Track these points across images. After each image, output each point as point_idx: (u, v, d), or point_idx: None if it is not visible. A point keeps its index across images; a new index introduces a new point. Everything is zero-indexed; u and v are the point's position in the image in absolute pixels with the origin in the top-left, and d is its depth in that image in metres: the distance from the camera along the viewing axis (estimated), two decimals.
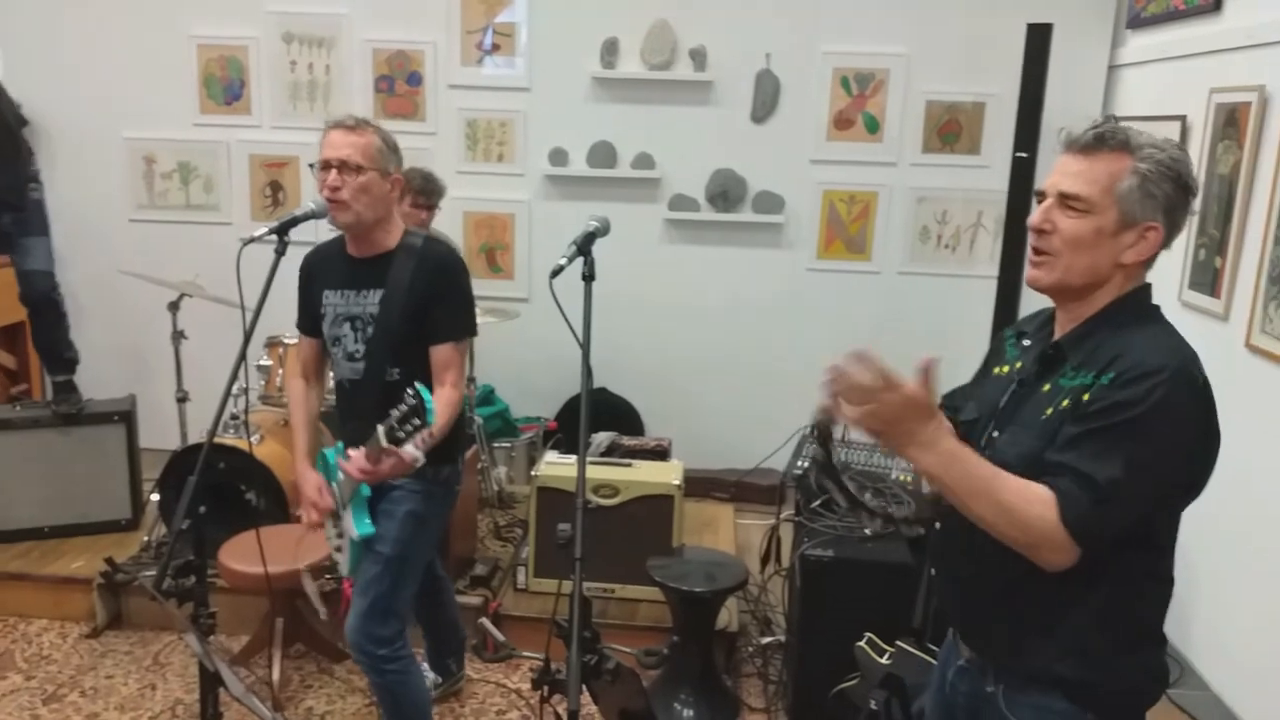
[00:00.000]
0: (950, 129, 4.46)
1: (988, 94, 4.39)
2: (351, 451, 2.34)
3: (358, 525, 2.47)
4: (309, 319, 2.64)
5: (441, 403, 2.41)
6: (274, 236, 2.33)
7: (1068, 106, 4.29)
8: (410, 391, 2.11)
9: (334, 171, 2.39)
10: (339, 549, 2.64)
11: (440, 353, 2.50)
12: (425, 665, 3.12)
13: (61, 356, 4.03)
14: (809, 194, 4.56)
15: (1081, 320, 1.57)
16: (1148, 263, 1.56)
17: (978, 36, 4.35)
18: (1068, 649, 1.55)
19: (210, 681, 2.16)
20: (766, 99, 4.48)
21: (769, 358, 4.65)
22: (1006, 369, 1.70)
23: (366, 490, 2.46)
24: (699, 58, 4.44)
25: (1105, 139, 1.51)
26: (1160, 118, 3.78)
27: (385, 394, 2.39)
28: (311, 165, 2.49)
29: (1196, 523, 3.37)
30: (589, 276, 2.09)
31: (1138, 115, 4.02)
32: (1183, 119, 3.60)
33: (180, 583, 2.22)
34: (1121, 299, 1.55)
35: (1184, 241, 3.52)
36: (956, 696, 1.74)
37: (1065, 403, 1.50)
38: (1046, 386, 1.56)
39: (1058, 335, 1.62)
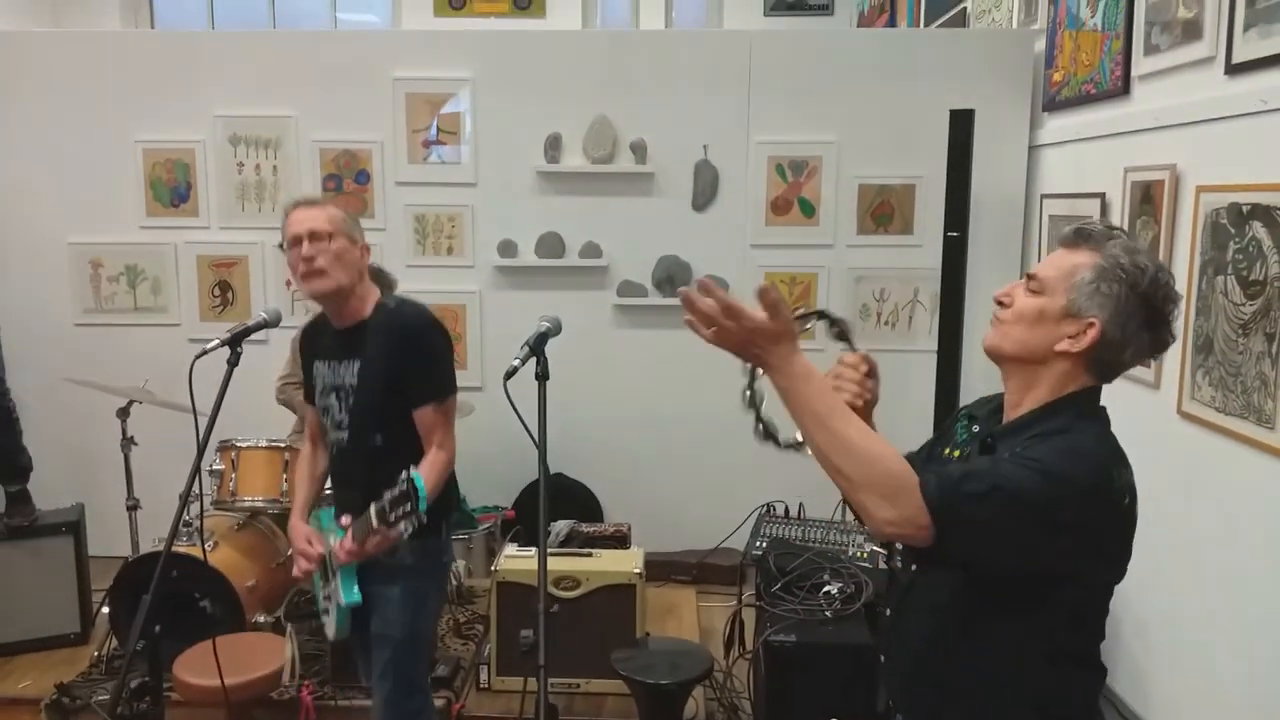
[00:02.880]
0: (883, 210, 4.63)
1: (916, 176, 4.57)
2: (344, 520, 2.44)
3: (345, 594, 2.51)
4: (309, 389, 2.70)
5: (428, 465, 2.48)
6: (227, 348, 2.35)
7: (993, 185, 4.50)
8: (403, 476, 2.18)
9: (306, 243, 2.44)
10: (326, 610, 2.67)
11: (424, 416, 2.53)
12: None
13: (15, 464, 3.96)
14: (751, 276, 4.67)
15: (1021, 411, 1.63)
16: (1094, 365, 1.57)
17: (904, 122, 4.55)
18: None
19: None
20: (706, 187, 4.62)
21: (723, 437, 4.70)
22: (957, 454, 1.75)
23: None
24: (639, 151, 4.58)
25: (1085, 235, 1.59)
26: (1081, 195, 3.97)
27: (371, 461, 2.48)
28: (280, 245, 2.54)
29: (1143, 588, 3.47)
30: (543, 376, 2.14)
31: (1060, 193, 4.22)
32: (1101, 196, 3.78)
33: (135, 706, 2.18)
34: (1063, 399, 1.59)
35: None
36: None
37: None
38: None
39: (1004, 421, 1.68)
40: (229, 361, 2.35)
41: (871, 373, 1.77)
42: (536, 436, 2.06)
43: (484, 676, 3.53)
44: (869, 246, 4.66)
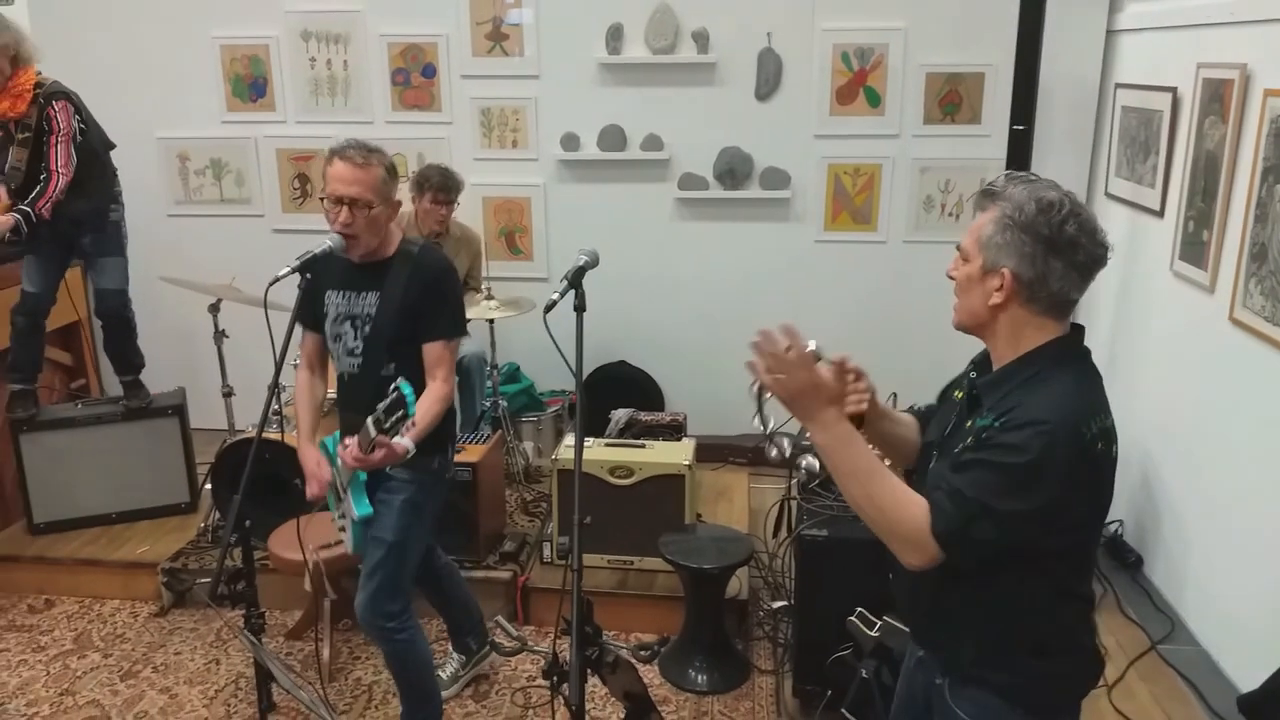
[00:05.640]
0: (951, 99, 4.54)
1: (986, 64, 4.45)
2: (348, 440, 2.59)
3: (358, 507, 2.71)
4: (309, 313, 2.81)
5: (432, 397, 2.67)
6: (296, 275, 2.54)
7: (1067, 72, 4.36)
8: (393, 386, 2.33)
9: (345, 209, 2.57)
10: (342, 529, 2.89)
11: (432, 350, 2.71)
12: (451, 649, 3.41)
13: (130, 362, 4.31)
14: (814, 168, 4.68)
15: (1000, 363, 1.73)
16: (1036, 304, 1.65)
17: (974, 6, 4.41)
18: (987, 651, 1.76)
19: (265, 675, 2.45)
20: (769, 77, 4.58)
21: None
22: (960, 395, 1.86)
23: (363, 475, 2.70)
24: (701, 40, 4.54)
25: (989, 194, 1.69)
26: (1154, 88, 3.84)
27: (380, 387, 2.58)
28: (322, 198, 2.65)
29: (1185, 487, 3.57)
30: (580, 308, 2.28)
31: (1134, 83, 4.08)
32: (1173, 91, 3.66)
33: (233, 588, 2.49)
34: (1035, 351, 1.68)
35: (1176, 212, 3.62)
36: (916, 686, 1.97)
37: (970, 440, 1.68)
38: (969, 423, 1.74)
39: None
40: (300, 287, 2.53)
41: (859, 375, 1.89)
42: (574, 367, 2.20)
43: (546, 552, 3.84)
44: (935, 137, 4.60)
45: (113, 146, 4.17)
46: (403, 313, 2.67)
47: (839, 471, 1.69)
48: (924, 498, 1.66)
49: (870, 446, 1.75)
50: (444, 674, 3.34)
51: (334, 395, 3.29)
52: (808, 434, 1.72)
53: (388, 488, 2.76)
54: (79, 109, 3.90)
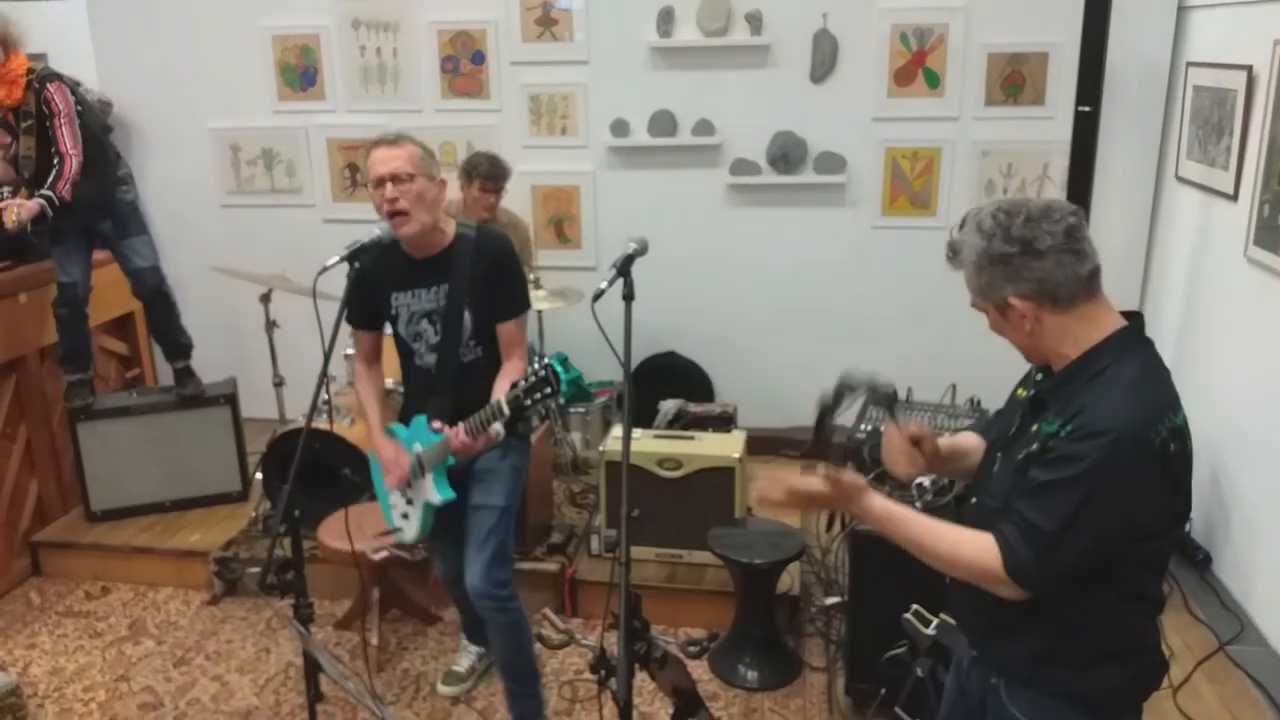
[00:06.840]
0: (1013, 80, 4.39)
1: (1050, 43, 4.29)
2: (438, 424, 2.66)
3: (439, 490, 2.72)
4: (366, 315, 2.86)
5: (511, 377, 2.67)
6: (345, 263, 2.52)
7: (1135, 51, 4.19)
8: (543, 363, 2.35)
9: (389, 185, 2.61)
10: (406, 515, 2.87)
11: (507, 330, 2.79)
12: (465, 640, 3.42)
13: (178, 343, 4.36)
14: (871, 152, 4.56)
15: (1062, 365, 1.67)
16: (1059, 307, 1.61)
17: None
18: (1046, 656, 1.70)
19: (314, 665, 2.44)
20: (824, 59, 4.47)
21: (836, 315, 4.72)
22: (1024, 393, 1.81)
23: (451, 459, 2.71)
24: (755, 21, 4.45)
25: (955, 248, 1.68)
26: (1228, 66, 3.68)
27: (463, 373, 2.74)
28: (366, 186, 2.72)
29: (1256, 482, 3.42)
30: (629, 296, 2.23)
31: (1206, 61, 3.91)
32: (1248, 69, 3.50)
33: (282, 577, 2.47)
34: (1098, 346, 1.62)
35: (1251, 195, 3.46)
36: (970, 684, 1.91)
37: (1035, 446, 1.63)
38: (1034, 427, 1.68)
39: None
40: (348, 276, 2.51)
41: (921, 441, 1.90)
42: (621, 357, 2.15)
43: (594, 545, 3.80)
44: (997, 119, 4.45)
45: (110, 130, 4.20)
46: (475, 295, 2.72)
47: (898, 542, 1.75)
48: (987, 534, 1.64)
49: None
50: (460, 668, 3.36)
51: (393, 386, 3.34)
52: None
53: (488, 458, 2.80)
54: (73, 89, 3.89)
